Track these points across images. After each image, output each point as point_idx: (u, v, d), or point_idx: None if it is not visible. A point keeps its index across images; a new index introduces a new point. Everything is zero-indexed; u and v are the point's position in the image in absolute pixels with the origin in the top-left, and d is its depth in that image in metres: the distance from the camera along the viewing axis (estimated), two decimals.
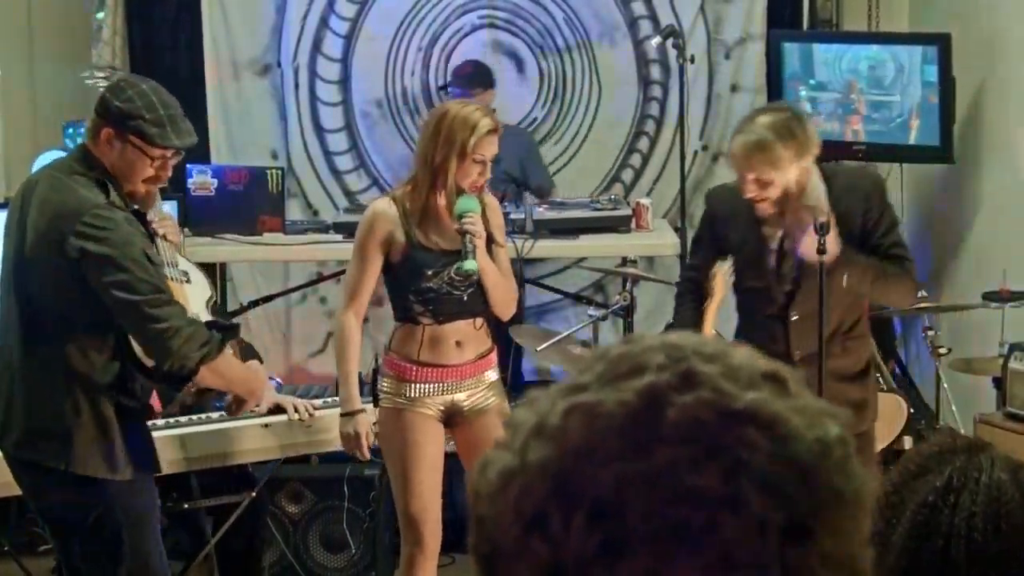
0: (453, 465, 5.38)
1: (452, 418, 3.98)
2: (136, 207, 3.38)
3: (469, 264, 3.77)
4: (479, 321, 3.95)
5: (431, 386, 3.93)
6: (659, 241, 5.47)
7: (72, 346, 3.28)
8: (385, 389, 3.99)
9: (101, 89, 3.49)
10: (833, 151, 6.16)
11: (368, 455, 4.05)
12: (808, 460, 0.76)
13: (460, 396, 3.95)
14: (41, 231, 3.27)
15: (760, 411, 0.76)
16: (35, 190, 3.34)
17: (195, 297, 3.52)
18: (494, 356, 4.05)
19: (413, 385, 3.93)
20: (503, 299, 3.96)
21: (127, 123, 3.28)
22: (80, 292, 3.25)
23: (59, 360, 3.28)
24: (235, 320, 5.52)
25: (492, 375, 4.02)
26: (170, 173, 3.42)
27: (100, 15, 6.22)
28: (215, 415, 4.36)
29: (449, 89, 6.09)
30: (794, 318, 3.81)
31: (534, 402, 0.81)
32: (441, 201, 3.87)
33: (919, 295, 5.04)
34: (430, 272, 3.87)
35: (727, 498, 0.73)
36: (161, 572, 3.53)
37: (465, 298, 3.90)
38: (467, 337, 3.94)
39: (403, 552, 4.02)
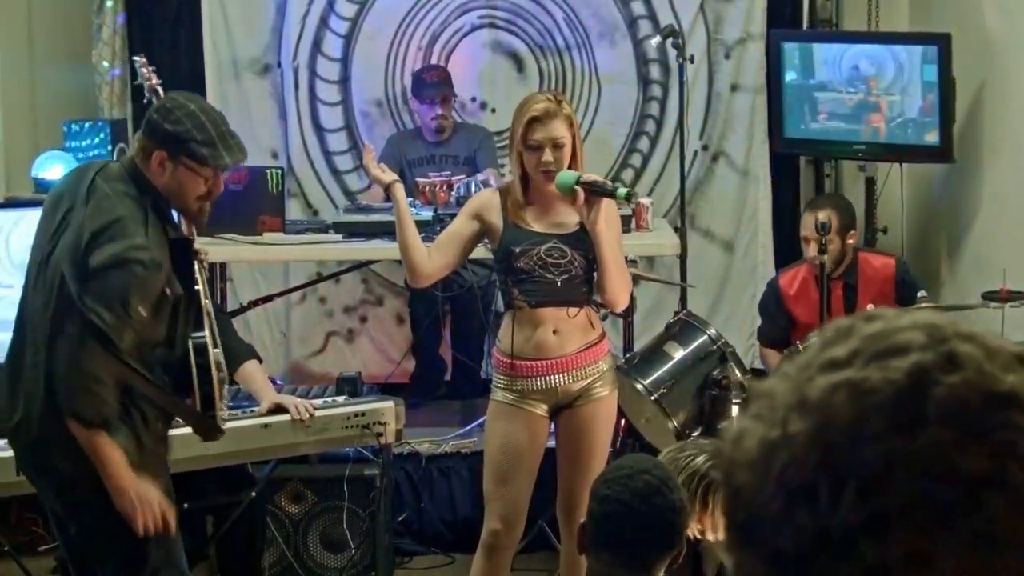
0: (454, 465, 5.40)
1: (561, 410, 3.99)
2: (180, 235, 3.39)
3: (621, 190, 3.83)
4: (573, 310, 3.93)
5: (536, 380, 3.93)
6: (659, 241, 5.46)
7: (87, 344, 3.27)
8: (493, 383, 4.03)
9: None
10: (833, 151, 6.18)
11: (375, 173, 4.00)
12: None
13: (569, 387, 3.95)
14: (72, 239, 3.27)
15: (1022, 394, 0.78)
16: (91, 195, 3.31)
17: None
18: (605, 345, 4.04)
19: (518, 381, 3.95)
20: (616, 288, 3.93)
21: (178, 146, 3.30)
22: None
23: (75, 355, 3.26)
24: (234, 320, 5.52)
25: (603, 365, 4.00)
26: (222, 188, 3.44)
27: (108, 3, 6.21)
28: None
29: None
30: None
31: (786, 375, 0.83)
32: (532, 190, 3.94)
33: (919, 295, 5.07)
34: (518, 250, 3.90)
35: (993, 478, 0.75)
36: (186, 570, 3.54)
37: (559, 283, 3.91)
38: (564, 326, 3.93)
39: (481, 540, 4.04)
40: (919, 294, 5.09)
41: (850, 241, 5.24)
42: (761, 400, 0.83)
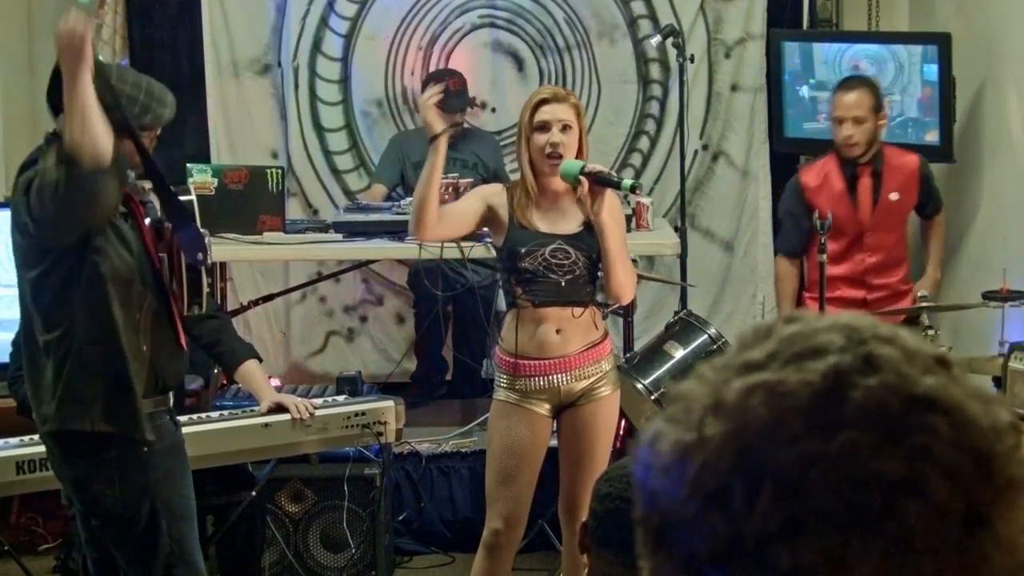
0: (454, 464, 5.40)
1: (563, 409, 4.00)
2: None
3: (626, 181, 3.86)
4: (577, 311, 3.94)
5: (538, 380, 3.94)
6: (659, 241, 5.46)
7: (78, 316, 3.33)
8: (496, 382, 4.03)
9: None
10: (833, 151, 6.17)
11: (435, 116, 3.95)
12: (985, 447, 0.77)
13: (571, 387, 3.96)
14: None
15: (940, 397, 0.77)
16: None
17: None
18: (607, 345, 4.05)
19: (521, 380, 3.95)
20: (621, 279, 3.94)
21: (141, 122, 3.38)
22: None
23: (70, 331, 3.33)
24: (234, 319, 5.52)
25: (606, 365, 4.01)
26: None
27: None
28: (215, 415, 4.37)
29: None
30: None
31: (703, 378, 0.82)
32: (540, 185, 3.95)
33: (920, 295, 5.06)
34: (523, 250, 3.91)
35: (910, 483, 0.74)
36: (200, 567, 3.57)
37: (563, 283, 3.92)
38: (567, 325, 3.94)
39: (483, 539, 4.04)
40: (919, 294, 5.08)
41: (881, 123, 5.19)
42: (677, 402, 0.81)
